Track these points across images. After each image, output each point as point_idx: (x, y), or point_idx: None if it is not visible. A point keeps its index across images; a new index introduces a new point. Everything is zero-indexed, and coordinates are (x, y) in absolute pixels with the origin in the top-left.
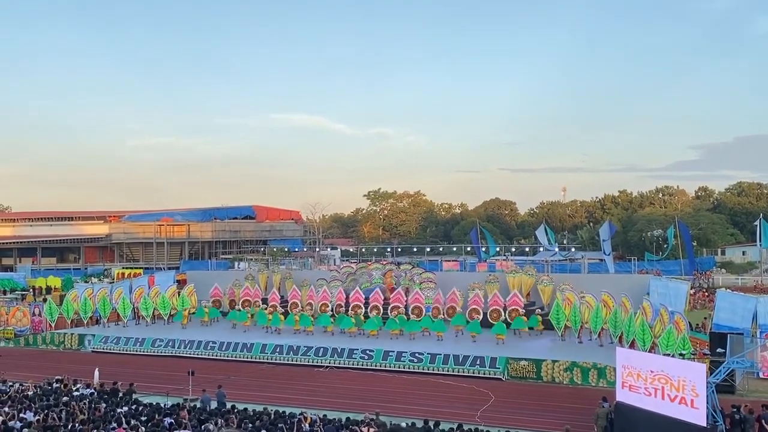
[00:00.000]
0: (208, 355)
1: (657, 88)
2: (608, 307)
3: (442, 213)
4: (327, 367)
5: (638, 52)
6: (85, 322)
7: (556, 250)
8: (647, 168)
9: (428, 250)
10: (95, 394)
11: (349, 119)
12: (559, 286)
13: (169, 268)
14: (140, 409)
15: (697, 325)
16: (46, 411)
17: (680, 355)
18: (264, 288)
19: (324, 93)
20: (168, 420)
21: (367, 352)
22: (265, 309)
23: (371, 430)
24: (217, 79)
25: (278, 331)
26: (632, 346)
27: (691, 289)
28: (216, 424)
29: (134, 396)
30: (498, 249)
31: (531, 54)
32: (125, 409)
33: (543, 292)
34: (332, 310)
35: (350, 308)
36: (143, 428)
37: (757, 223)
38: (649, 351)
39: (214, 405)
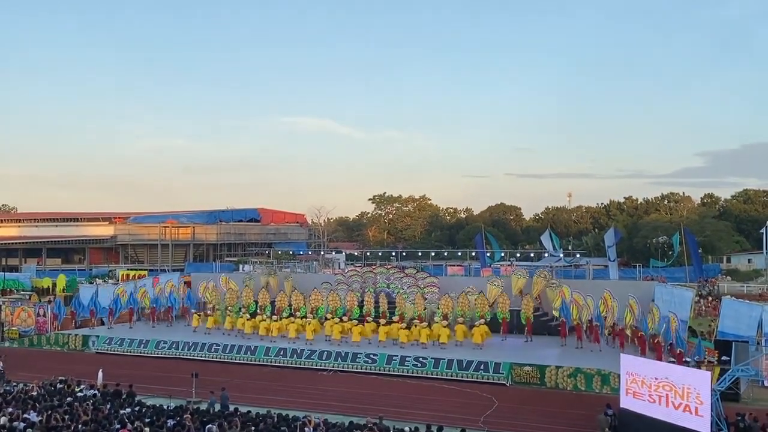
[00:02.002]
0: (212, 357)
1: (664, 95)
2: (607, 306)
3: (447, 217)
4: (331, 370)
5: (646, 58)
6: (93, 324)
7: (561, 255)
8: (653, 174)
9: (433, 254)
10: (98, 395)
11: (357, 122)
12: (550, 283)
13: (174, 270)
14: (143, 410)
15: (702, 332)
16: (49, 412)
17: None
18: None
19: (332, 96)
20: (171, 422)
21: (371, 356)
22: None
23: None
24: (225, 82)
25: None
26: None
27: (697, 296)
28: (219, 426)
29: (137, 398)
30: (503, 254)
31: (539, 59)
32: (128, 410)
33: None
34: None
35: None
36: (147, 429)
37: (763, 230)
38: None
39: (217, 407)
